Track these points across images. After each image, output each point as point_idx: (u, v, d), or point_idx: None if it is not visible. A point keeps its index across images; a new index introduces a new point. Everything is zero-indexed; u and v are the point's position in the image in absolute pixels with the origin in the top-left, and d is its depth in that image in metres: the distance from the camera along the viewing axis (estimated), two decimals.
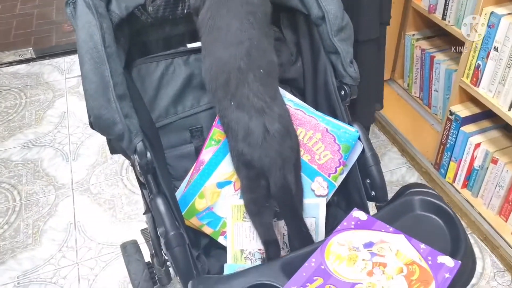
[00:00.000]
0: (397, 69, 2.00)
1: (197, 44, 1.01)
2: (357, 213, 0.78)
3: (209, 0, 0.84)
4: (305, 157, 0.94)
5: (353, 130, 0.94)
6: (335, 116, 0.97)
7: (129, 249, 1.26)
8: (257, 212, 0.85)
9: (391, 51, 1.96)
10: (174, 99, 0.98)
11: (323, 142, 0.95)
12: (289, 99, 0.97)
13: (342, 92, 0.95)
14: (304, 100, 1.05)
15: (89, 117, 0.81)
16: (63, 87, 2.24)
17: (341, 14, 0.93)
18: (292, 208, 0.83)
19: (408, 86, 1.95)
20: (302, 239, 0.83)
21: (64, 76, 2.32)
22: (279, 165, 0.79)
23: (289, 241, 0.92)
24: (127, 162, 1.85)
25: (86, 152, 1.90)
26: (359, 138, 0.94)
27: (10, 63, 2.42)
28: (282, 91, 0.96)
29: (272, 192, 0.80)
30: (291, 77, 1.05)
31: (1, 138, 1.97)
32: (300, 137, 0.93)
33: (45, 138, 1.96)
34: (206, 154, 0.96)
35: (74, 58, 2.44)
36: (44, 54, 2.48)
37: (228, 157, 0.93)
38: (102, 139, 1.93)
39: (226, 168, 0.94)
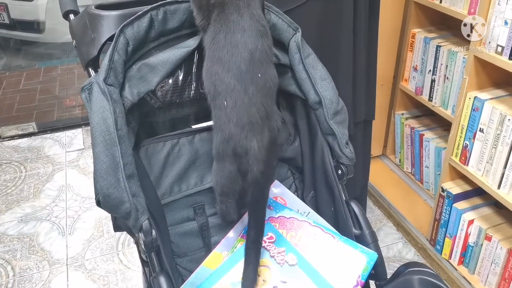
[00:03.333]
0: (389, 145, 2.07)
1: (202, 125, 1.07)
2: None
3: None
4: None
5: (371, 251, 0.91)
6: (332, 194, 1.01)
7: None
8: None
9: (382, 128, 2.05)
10: (178, 177, 1.01)
11: None
12: (307, 216, 0.99)
13: (339, 171, 1.00)
14: (303, 179, 1.10)
15: (96, 195, 0.84)
16: (63, 161, 2.28)
17: (336, 99, 1.00)
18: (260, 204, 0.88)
19: (400, 162, 2.01)
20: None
21: (65, 150, 2.37)
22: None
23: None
24: (123, 236, 1.84)
25: (82, 226, 1.89)
26: (357, 218, 0.97)
27: (12, 137, 2.47)
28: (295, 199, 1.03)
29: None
30: (290, 156, 1.10)
31: None
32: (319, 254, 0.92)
33: (42, 212, 1.96)
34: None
35: (76, 132, 2.50)
36: (46, 128, 2.54)
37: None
38: (100, 213, 1.95)
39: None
